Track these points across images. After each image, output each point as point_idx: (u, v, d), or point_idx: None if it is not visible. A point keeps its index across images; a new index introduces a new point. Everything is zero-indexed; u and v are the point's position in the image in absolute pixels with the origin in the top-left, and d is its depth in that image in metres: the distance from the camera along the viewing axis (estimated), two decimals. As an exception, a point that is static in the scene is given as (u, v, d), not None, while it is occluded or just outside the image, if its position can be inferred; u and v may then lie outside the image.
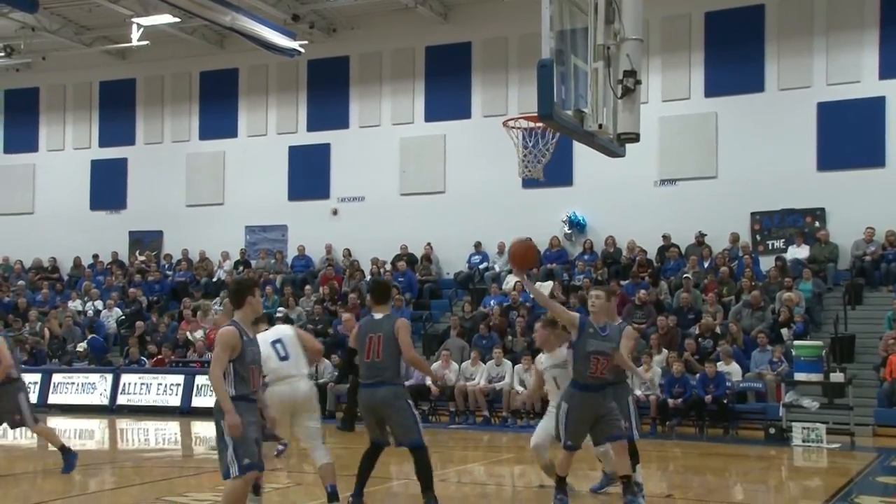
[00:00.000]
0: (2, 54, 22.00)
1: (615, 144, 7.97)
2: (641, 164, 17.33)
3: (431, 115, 21.04)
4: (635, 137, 7.63)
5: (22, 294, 22.17)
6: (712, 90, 18.91)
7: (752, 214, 18.49)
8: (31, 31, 21.44)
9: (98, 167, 23.88)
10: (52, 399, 18.05)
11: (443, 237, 20.28)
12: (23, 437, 15.12)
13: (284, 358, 6.99)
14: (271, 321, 9.80)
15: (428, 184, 20.89)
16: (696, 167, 18.88)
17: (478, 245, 20.04)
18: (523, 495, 9.07)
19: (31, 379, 18.24)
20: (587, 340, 7.07)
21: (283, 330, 7.33)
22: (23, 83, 24.37)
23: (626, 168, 15.31)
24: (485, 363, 15.65)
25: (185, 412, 16.58)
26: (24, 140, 24.58)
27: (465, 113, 20.76)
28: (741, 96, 18.62)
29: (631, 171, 17.61)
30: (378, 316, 7.11)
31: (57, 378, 18.31)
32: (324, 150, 21.76)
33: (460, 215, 20.23)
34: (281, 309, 18.89)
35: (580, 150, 16.28)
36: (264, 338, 6.86)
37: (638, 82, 7.47)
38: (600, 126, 7.54)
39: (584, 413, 7.13)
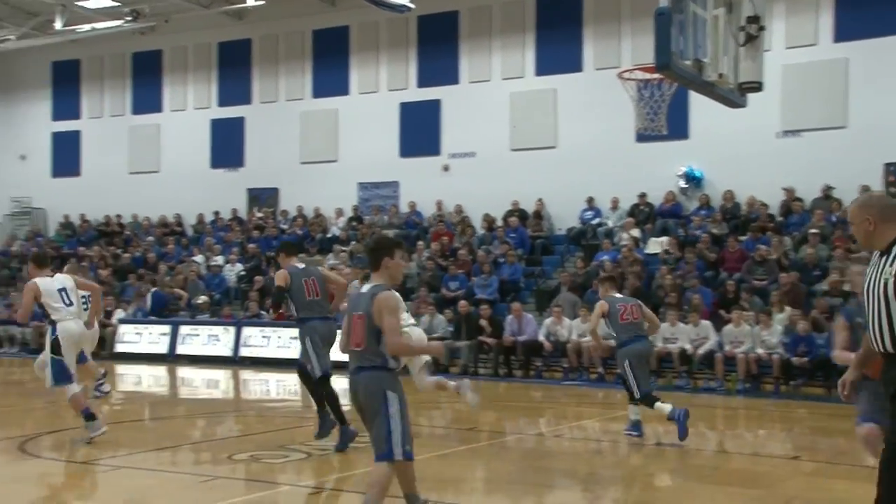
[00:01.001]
0: (129, 18, 22.82)
1: (736, 94, 7.71)
2: (763, 114, 16.61)
3: (542, 69, 20.76)
4: (758, 87, 7.36)
5: (150, 249, 23.20)
6: (843, 34, 17.96)
7: (886, 165, 17.57)
8: (155, -6, 22.24)
9: (217, 126, 24.54)
10: (180, 350, 18.92)
11: (554, 192, 20.09)
12: (157, 386, 16.00)
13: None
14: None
15: (539, 139, 20.68)
16: (822, 117, 18.04)
17: (590, 200, 19.77)
18: (639, 453, 9.00)
19: (161, 330, 19.29)
20: None
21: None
22: (147, 46, 25.23)
23: (746, 119, 14.74)
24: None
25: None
26: (149, 101, 25.45)
27: (576, 66, 20.40)
28: (876, 40, 17.60)
29: (752, 123, 16.95)
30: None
31: (184, 330, 19.15)
32: (434, 106, 21.76)
33: (572, 170, 19.97)
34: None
35: (697, 102, 15.82)
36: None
37: (762, 28, 7.18)
38: (720, 76, 7.31)
39: None
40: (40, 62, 26.43)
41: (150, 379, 16.67)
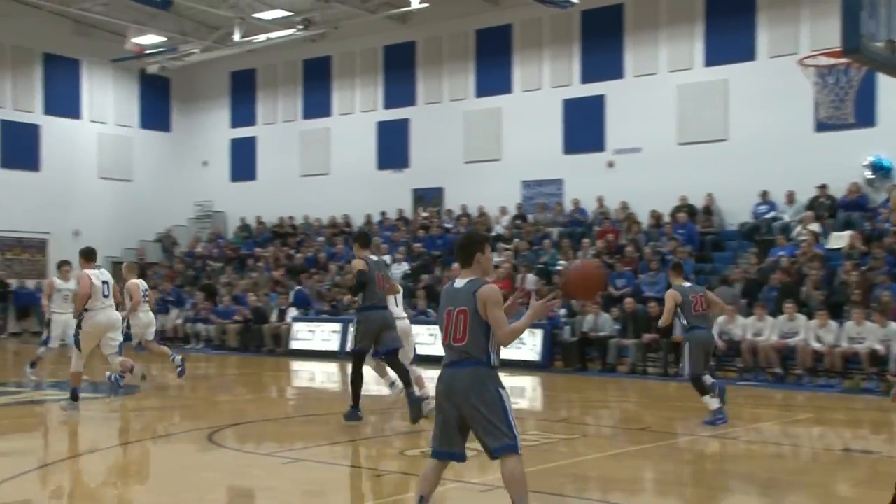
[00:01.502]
0: (301, 27, 23.79)
1: (935, 77, 7.12)
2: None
3: (712, 60, 20.06)
4: (961, 68, 6.76)
5: (321, 249, 24.03)
6: None
7: None
8: (325, 2, 23.01)
9: (384, 128, 25.07)
10: (350, 347, 19.38)
11: (725, 187, 19.35)
12: (329, 382, 16.58)
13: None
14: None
15: (708, 131, 20.00)
16: None
17: (764, 194, 18.91)
18: (824, 459, 8.53)
19: (332, 328, 19.94)
20: None
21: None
22: (317, 53, 26.13)
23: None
24: (773, 317, 14.83)
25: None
26: (319, 106, 26.32)
27: (749, 55, 19.58)
28: None
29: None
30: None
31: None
32: (598, 101, 21.45)
33: (744, 163, 19.18)
34: (560, 261, 19.05)
35: (886, 86, 14.87)
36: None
37: (966, 4, 6.59)
38: (917, 56, 6.75)
39: None
40: (220, 73, 27.86)
41: (322, 375, 17.20)
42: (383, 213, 24.55)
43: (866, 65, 7.27)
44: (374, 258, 9.93)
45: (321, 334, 20.01)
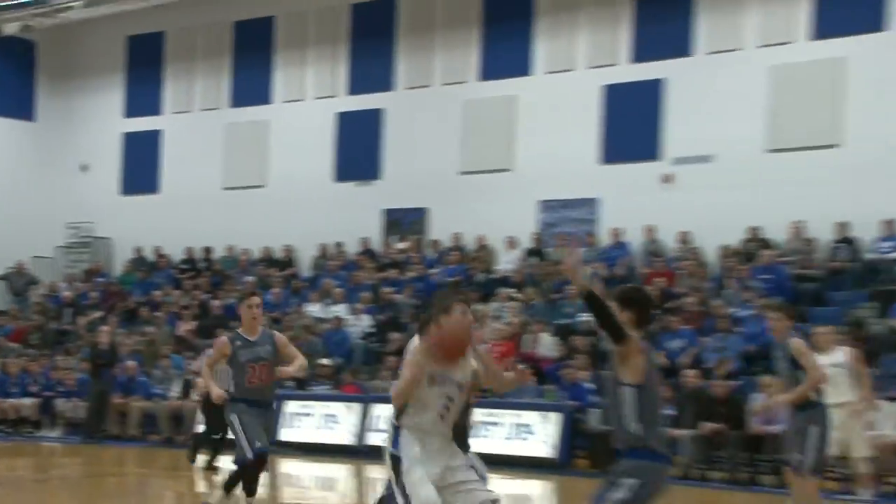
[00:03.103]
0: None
1: None
2: None
3: (824, 30, 19.95)
4: None
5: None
6: None
7: None
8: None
9: (346, 122, 24.96)
10: (284, 435, 19.00)
11: (831, 213, 19.07)
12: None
13: None
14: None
15: (811, 134, 19.91)
16: None
17: (889, 224, 18.70)
18: None
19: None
20: None
21: None
22: (254, 12, 26.09)
23: None
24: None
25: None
26: (254, 88, 26.16)
27: (874, 24, 19.48)
28: None
29: None
30: None
31: (290, 407, 19.26)
32: (653, 88, 21.49)
33: (861, 181, 18.94)
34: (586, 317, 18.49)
35: None
36: None
37: None
38: None
39: None
40: (111, 37, 27.76)
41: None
42: (340, 245, 24.21)
43: None
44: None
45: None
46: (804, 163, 19.70)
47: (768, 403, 10.19)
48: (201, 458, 15.97)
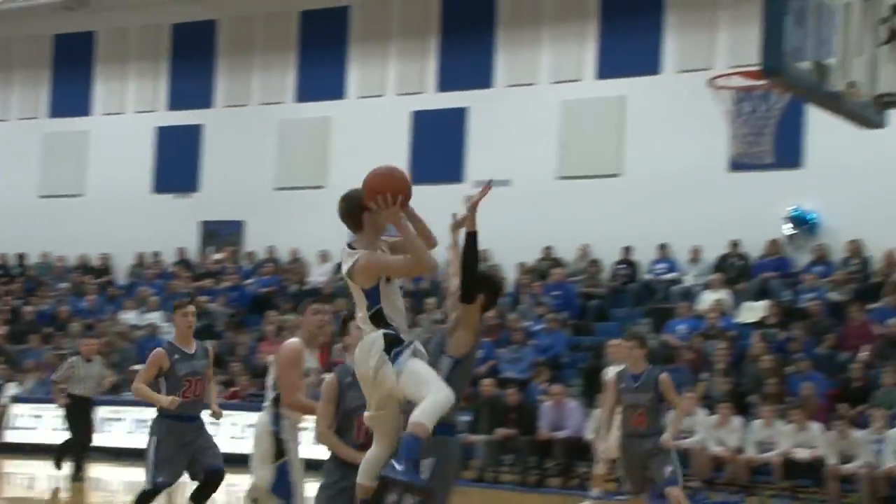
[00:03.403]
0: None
1: (872, 110, 7.63)
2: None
3: (607, 70, 21.02)
4: (903, 101, 7.28)
5: (64, 301, 23.29)
6: None
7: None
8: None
9: (165, 136, 24.90)
10: (98, 440, 18.67)
11: (614, 235, 20.09)
12: (61, 491, 15.87)
13: None
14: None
15: (598, 163, 20.90)
16: None
17: (662, 248, 19.80)
18: None
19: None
20: None
21: None
22: (75, 26, 25.78)
23: (886, 144, 14.64)
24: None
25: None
26: (74, 100, 25.84)
27: (652, 67, 20.64)
28: None
29: (893, 149, 16.88)
30: None
31: (102, 412, 18.80)
32: (458, 115, 22.15)
33: (641, 207, 20.05)
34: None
35: (817, 120, 15.78)
36: None
37: (911, 22, 7.13)
38: (851, 85, 7.24)
39: None
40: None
41: (49, 482, 16.49)
42: (157, 254, 24.23)
43: (789, 90, 7.70)
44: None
45: (52, 421, 19.13)
46: (590, 190, 20.57)
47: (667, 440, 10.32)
48: (67, 466, 15.78)
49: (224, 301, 22.01)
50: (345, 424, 6.66)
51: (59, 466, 15.92)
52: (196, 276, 23.38)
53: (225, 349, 20.40)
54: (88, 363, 15.51)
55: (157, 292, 22.78)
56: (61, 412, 15.94)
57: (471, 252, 6.16)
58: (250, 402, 17.67)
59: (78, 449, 15.65)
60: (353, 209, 6.08)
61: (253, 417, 16.71)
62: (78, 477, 15.46)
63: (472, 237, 6.16)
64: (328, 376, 6.88)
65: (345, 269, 5.92)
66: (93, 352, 15.81)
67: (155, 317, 21.98)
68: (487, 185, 6.61)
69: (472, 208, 6.32)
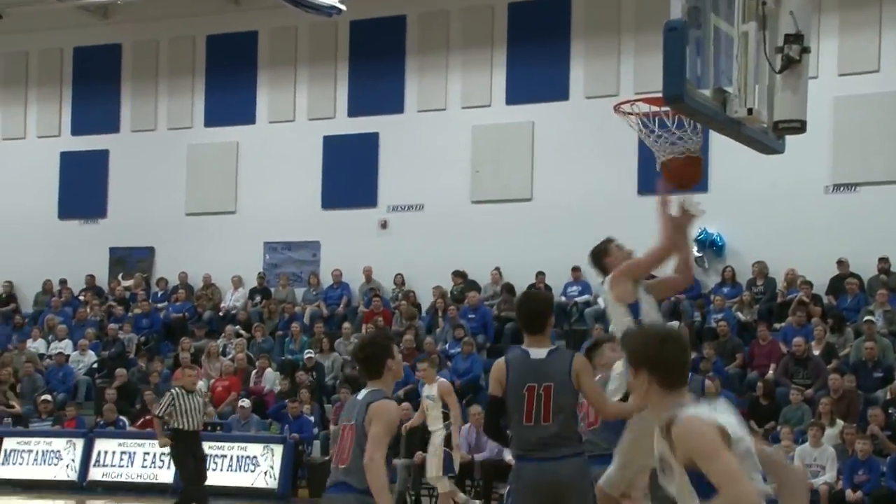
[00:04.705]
0: None
1: (770, 136, 7.94)
2: (807, 162, 17.12)
3: (515, 97, 21.29)
4: (800, 126, 7.58)
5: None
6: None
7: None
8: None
9: (70, 161, 24.59)
10: (3, 472, 18.57)
11: (527, 259, 20.27)
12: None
13: None
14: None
15: (509, 188, 21.16)
16: (886, 166, 18.57)
17: (575, 270, 20.00)
18: None
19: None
20: None
21: None
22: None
23: (785, 169, 15.22)
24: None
25: (179, 491, 16.82)
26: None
27: (561, 93, 20.96)
28: None
29: (792, 174, 17.45)
30: (537, 352, 6.92)
31: (9, 444, 18.85)
32: (370, 140, 22.24)
33: (551, 230, 20.32)
34: (310, 352, 19.24)
35: (719, 145, 16.16)
36: None
37: (806, 50, 7.43)
38: (750, 111, 7.53)
39: None
40: None
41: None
42: (63, 282, 23.95)
43: (690, 116, 7.97)
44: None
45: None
46: (503, 214, 20.88)
47: None
48: None
49: (134, 328, 21.80)
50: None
51: None
52: (105, 303, 23.11)
53: (137, 377, 20.26)
54: (190, 395, 13.96)
55: (65, 320, 22.55)
56: (167, 450, 14.54)
57: None
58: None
59: (192, 490, 14.11)
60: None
61: (154, 448, 17.09)
62: None
63: None
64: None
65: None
66: (193, 383, 14.46)
67: (63, 345, 21.72)
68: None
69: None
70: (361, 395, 6.21)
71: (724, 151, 16.64)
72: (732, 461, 3.93)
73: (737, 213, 19.18)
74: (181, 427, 13.68)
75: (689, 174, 8.17)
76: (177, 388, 14.06)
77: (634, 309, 7.06)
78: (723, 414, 4.06)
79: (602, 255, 7.52)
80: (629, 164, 19.01)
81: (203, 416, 14.59)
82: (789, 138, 8.06)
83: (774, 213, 18.91)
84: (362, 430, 5.96)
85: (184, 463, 13.92)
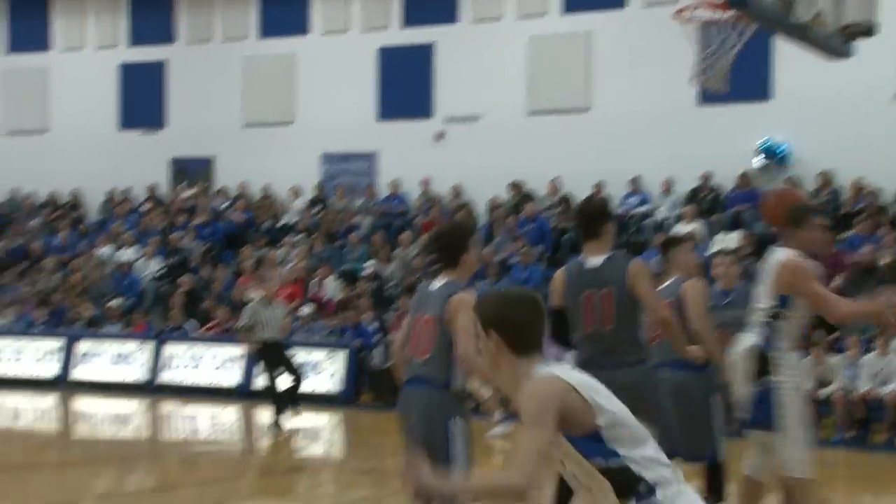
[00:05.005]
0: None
1: (838, 41, 7.89)
2: (876, 69, 16.78)
3: (572, 5, 21.13)
4: (869, 30, 7.54)
5: (35, 238, 23.37)
6: None
7: None
8: None
9: (129, 73, 24.80)
10: (77, 374, 19.17)
11: (585, 170, 20.22)
12: (44, 421, 16.18)
13: None
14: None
15: (566, 98, 21.05)
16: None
17: (634, 181, 20.08)
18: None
19: (50, 346, 19.48)
20: None
21: None
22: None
23: (853, 76, 14.97)
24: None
25: (245, 394, 17.33)
26: (32, 35, 25.59)
27: (617, 1, 20.79)
28: None
29: (861, 81, 17.15)
30: (592, 261, 6.84)
31: (82, 347, 19.43)
32: (425, 52, 22.18)
33: (609, 141, 20.30)
34: (370, 262, 19.48)
35: (785, 52, 16.07)
36: None
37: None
38: (817, 15, 7.48)
39: None
40: None
41: (34, 413, 16.90)
42: (128, 191, 24.27)
43: (754, 20, 7.96)
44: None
45: (34, 354, 19.59)
46: (560, 125, 20.76)
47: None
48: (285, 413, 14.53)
49: (197, 237, 22.14)
50: None
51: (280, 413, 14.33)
52: (167, 212, 23.38)
53: (200, 284, 20.69)
54: (270, 306, 14.40)
55: (130, 228, 22.90)
56: (257, 360, 14.75)
57: None
58: (229, 336, 17.94)
59: (282, 395, 14.34)
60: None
61: (231, 351, 17.61)
62: (277, 425, 14.21)
63: None
64: None
65: None
66: (273, 295, 14.81)
67: (129, 252, 22.13)
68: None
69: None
70: (436, 286, 5.96)
71: (788, 58, 16.56)
72: (535, 443, 3.53)
73: (802, 122, 19.01)
74: (265, 337, 14.09)
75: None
76: (256, 300, 14.42)
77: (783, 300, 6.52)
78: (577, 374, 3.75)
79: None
80: (689, 73, 18.82)
81: (285, 327, 14.84)
82: (858, 43, 7.99)
83: (841, 121, 18.52)
84: (442, 323, 5.77)
85: (272, 372, 14.27)
